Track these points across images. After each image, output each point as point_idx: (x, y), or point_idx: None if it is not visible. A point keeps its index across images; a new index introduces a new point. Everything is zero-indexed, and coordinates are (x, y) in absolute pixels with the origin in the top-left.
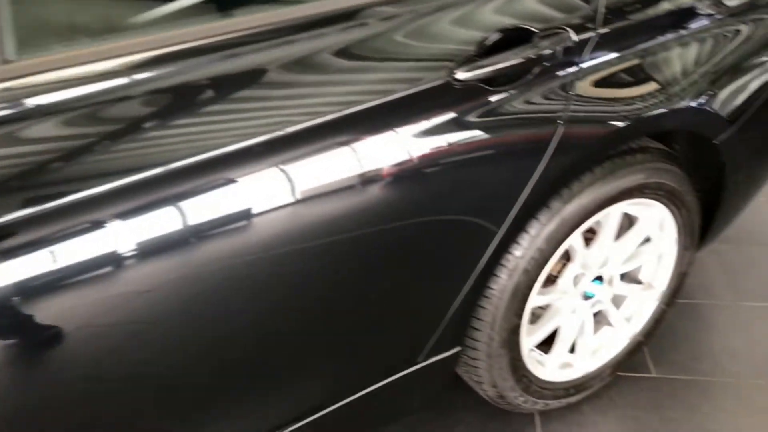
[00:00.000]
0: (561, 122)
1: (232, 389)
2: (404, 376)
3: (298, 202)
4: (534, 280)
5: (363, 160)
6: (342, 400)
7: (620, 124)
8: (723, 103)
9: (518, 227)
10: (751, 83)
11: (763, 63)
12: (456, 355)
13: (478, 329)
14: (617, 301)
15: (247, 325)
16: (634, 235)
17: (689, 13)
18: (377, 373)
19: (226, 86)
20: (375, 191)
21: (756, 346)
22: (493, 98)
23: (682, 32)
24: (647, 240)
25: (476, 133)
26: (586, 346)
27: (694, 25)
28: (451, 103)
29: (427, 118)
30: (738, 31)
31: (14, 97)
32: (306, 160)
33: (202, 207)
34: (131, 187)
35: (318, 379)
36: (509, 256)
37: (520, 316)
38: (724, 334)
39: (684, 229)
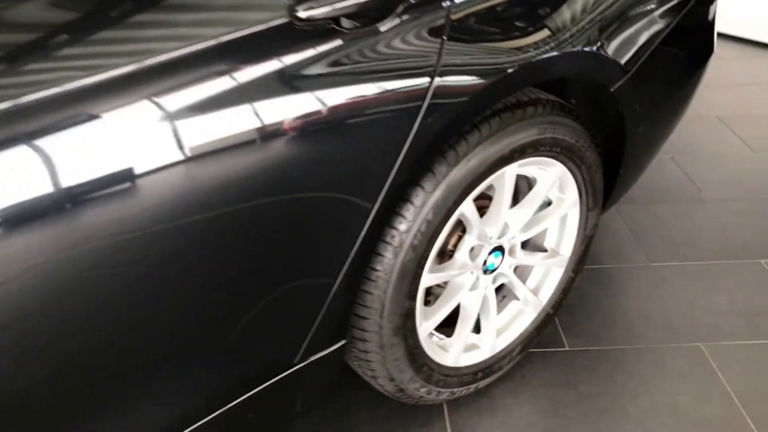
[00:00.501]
0: (434, 72)
1: (76, 410)
2: (279, 381)
3: (104, 183)
4: (425, 257)
5: (185, 126)
6: (209, 414)
7: (504, 71)
8: (617, 50)
9: (398, 198)
10: (643, 31)
11: (652, 11)
12: (340, 351)
13: (365, 317)
14: (522, 272)
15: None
16: (533, 198)
17: None
18: (246, 381)
19: None
20: (200, 168)
21: (669, 308)
22: (348, 42)
23: None
24: (548, 203)
25: (330, 87)
26: (492, 324)
27: None
28: (295, 48)
29: (264, 68)
30: None
31: None
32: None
33: None
34: None
35: (173, 395)
36: (393, 232)
37: (413, 298)
38: (636, 298)
39: (586, 189)
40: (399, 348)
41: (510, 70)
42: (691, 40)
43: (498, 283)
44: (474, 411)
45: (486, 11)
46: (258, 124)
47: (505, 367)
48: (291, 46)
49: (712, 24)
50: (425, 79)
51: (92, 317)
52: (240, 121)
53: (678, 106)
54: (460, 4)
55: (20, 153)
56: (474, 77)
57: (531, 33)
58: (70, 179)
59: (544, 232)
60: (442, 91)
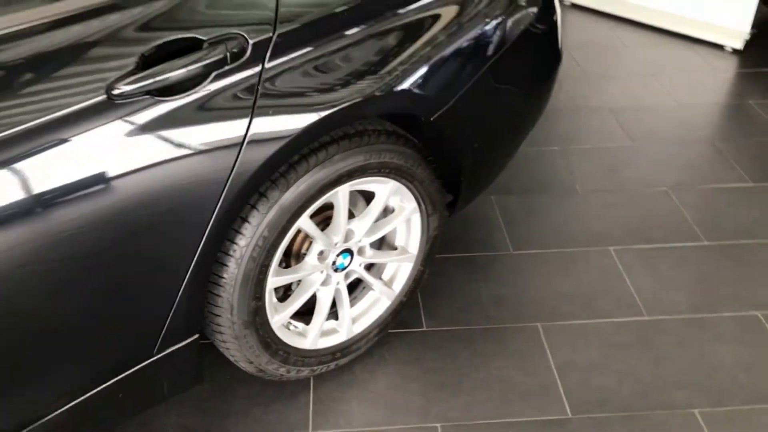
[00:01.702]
0: (249, 119)
1: None
2: (144, 368)
3: None
4: (266, 265)
5: (39, 179)
6: (88, 392)
7: (314, 115)
8: (428, 87)
9: (230, 219)
10: (458, 67)
11: (466, 49)
12: (195, 342)
13: (218, 315)
14: (378, 266)
15: None
16: (371, 209)
17: (368, 11)
18: (112, 369)
19: None
20: (61, 208)
21: (520, 292)
22: (167, 106)
23: (365, 28)
24: (392, 210)
25: (157, 141)
26: (347, 313)
27: (375, 21)
28: (117, 116)
29: (94, 133)
30: (422, 23)
31: None
32: None
33: None
34: None
35: (50, 378)
36: (234, 246)
37: (259, 299)
38: (495, 283)
39: (423, 199)
40: (252, 338)
41: (322, 115)
42: (527, 59)
43: (351, 279)
44: (335, 384)
45: (295, 70)
46: (106, 172)
47: (363, 347)
48: (114, 115)
49: (551, 36)
50: (242, 125)
51: None
52: (90, 173)
53: (523, 117)
54: (271, 67)
55: None
56: (288, 121)
57: (338, 84)
58: None
59: (394, 232)
60: (258, 137)
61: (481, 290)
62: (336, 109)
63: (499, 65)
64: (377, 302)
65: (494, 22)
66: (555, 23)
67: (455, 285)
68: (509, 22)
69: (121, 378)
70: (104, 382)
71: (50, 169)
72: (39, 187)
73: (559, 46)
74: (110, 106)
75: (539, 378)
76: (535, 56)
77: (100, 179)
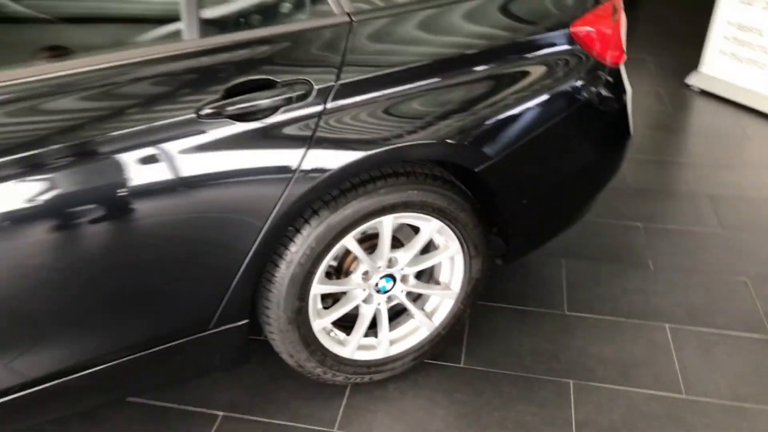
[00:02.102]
0: (306, 149)
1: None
2: (200, 337)
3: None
4: (312, 272)
5: (142, 173)
6: (152, 348)
7: (362, 153)
8: (476, 141)
9: (283, 228)
10: (509, 127)
11: (523, 111)
12: (244, 326)
13: (268, 308)
14: (422, 298)
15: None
16: (415, 242)
17: (422, 71)
18: (179, 331)
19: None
20: (151, 202)
21: (562, 349)
22: (241, 129)
23: (419, 85)
24: (437, 247)
25: (229, 154)
26: (385, 333)
27: (430, 79)
28: (200, 131)
29: (183, 141)
30: (477, 84)
31: None
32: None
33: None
34: None
35: (136, 330)
36: (286, 251)
37: (302, 300)
38: (539, 337)
39: (466, 241)
40: (293, 334)
41: (369, 154)
42: (586, 132)
43: (393, 302)
44: (368, 396)
45: (350, 113)
46: (192, 177)
47: (398, 369)
48: (200, 131)
49: (617, 114)
50: (301, 153)
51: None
52: (182, 174)
53: (580, 186)
54: (331, 108)
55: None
56: (338, 157)
57: (388, 129)
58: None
59: (440, 268)
60: (311, 164)
61: (524, 341)
62: (382, 150)
63: (553, 133)
64: (416, 331)
65: (554, 94)
66: (624, 103)
67: (500, 331)
68: (569, 95)
69: (184, 341)
70: (172, 341)
71: (147, 165)
72: (139, 178)
73: (629, 125)
74: (196, 123)
75: (556, 429)
76: (595, 131)
77: (181, 178)
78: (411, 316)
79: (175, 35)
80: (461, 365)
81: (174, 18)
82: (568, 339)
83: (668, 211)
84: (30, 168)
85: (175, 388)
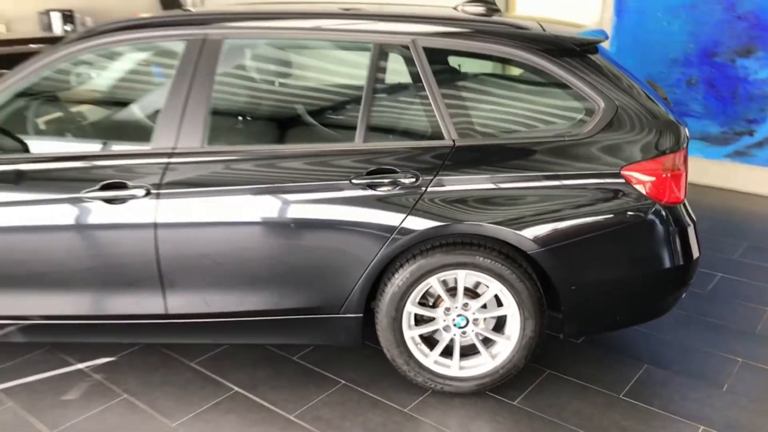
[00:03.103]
0: (407, 215)
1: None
2: (333, 317)
3: (283, 222)
4: (406, 294)
5: (315, 209)
6: (305, 315)
7: (443, 224)
8: (528, 231)
9: (388, 262)
10: (557, 227)
11: (562, 216)
12: (360, 318)
13: (378, 312)
14: (492, 341)
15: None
16: (484, 296)
17: (498, 180)
18: (320, 308)
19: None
20: (313, 227)
21: (598, 415)
22: (372, 194)
23: (494, 188)
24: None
25: (359, 209)
26: (456, 358)
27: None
28: (353, 192)
29: (341, 198)
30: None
31: None
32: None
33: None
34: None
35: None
36: (393, 277)
37: (398, 312)
38: (586, 403)
39: (520, 305)
40: (390, 335)
41: (449, 224)
42: (631, 246)
43: (466, 337)
44: (439, 399)
45: (441, 196)
46: (327, 220)
47: (463, 388)
48: (352, 192)
49: (675, 236)
50: (402, 216)
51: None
52: (329, 216)
53: (633, 290)
54: (430, 191)
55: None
56: (426, 223)
57: (466, 210)
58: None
59: (505, 320)
60: (408, 224)
61: (573, 402)
62: (457, 224)
63: (593, 242)
64: (482, 365)
65: (598, 214)
66: (676, 233)
67: (556, 391)
68: (611, 217)
69: (324, 317)
70: (316, 314)
71: (319, 205)
72: (312, 212)
73: (687, 251)
74: (349, 186)
75: None
76: (639, 250)
77: (334, 216)
78: (479, 352)
79: (351, 138)
80: (514, 403)
81: (352, 126)
82: (610, 412)
83: None
84: (268, 195)
85: (320, 356)
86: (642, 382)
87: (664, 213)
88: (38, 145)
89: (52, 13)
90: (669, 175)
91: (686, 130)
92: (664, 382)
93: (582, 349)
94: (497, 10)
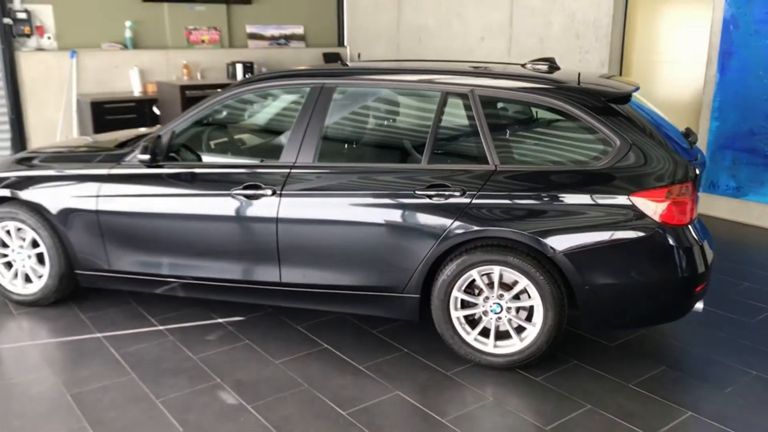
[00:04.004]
0: (454, 219)
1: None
2: (396, 296)
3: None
4: (453, 282)
5: (391, 214)
6: (375, 292)
7: (483, 229)
8: (551, 240)
9: (440, 255)
10: (570, 234)
11: (575, 226)
12: (418, 299)
13: (433, 294)
14: (523, 328)
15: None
16: (515, 289)
17: (525, 197)
18: (388, 287)
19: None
20: (389, 222)
21: (606, 393)
22: (429, 202)
23: (528, 203)
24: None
25: (420, 213)
26: (492, 338)
27: (538, 204)
28: (416, 200)
29: (407, 204)
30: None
31: None
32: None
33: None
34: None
35: (365, 276)
36: (445, 269)
37: (447, 296)
38: (594, 381)
39: (543, 298)
40: (440, 313)
41: (488, 229)
42: (636, 260)
43: (501, 322)
44: (473, 371)
45: (482, 208)
46: (394, 220)
47: (495, 363)
48: (417, 199)
49: (672, 258)
50: (449, 221)
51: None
52: (401, 214)
53: (641, 298)
54: (473, 203)
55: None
56: (468, 227)
57: (500, 220)
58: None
59: (533, 310)
60: (455, 227)
61: (584, 385)
62: (493, 228)
63: (603, 252)
64: (512, 345)
65: (607, 229)
66: (680, 251)
67: (578, 375)
68: (619, 233)
69: (389, 294)
70: (383, 292)
71: (392, 210)
72: (387, 215)
73: (690, 267)
74: (412, 196)
75: None
76: (644, 262)
77: (401, 218)
78: (510, 335)
79: (419, 160)
80: (536, 379)
81: (421, 152)
82: (615, 395)
83: None
84: (358, 199)
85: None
86: (655, 379)
87: (666, 232)
88: (207, 157)
89: (237, 65)
90: (672, 201)
91: (694, 167)
92: (675, 380)
93: (611, 350)
94: (557, 68)
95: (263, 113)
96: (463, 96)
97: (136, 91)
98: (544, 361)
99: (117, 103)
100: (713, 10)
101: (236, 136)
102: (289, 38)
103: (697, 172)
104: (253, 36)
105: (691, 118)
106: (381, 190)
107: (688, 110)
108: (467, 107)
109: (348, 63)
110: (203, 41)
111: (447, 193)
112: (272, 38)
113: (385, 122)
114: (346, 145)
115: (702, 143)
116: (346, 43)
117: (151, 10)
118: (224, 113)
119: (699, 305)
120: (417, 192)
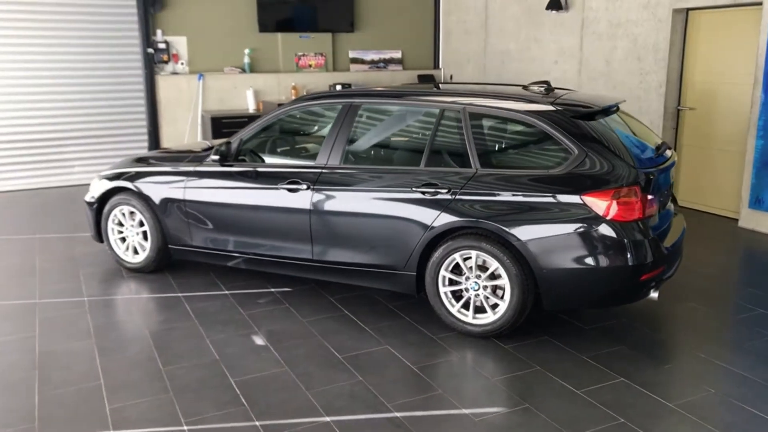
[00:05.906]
0: (440, 211)
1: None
2: (396, 273)
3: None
4: (441, 263)
5: (391, 205)
6: (368, 268)
7: (464, 219)
8: (514, 229)
9: (433, 241)
10: (528, 227)
11: (533, 220)
12: (414, 276)
13: (425, 272)
14: (497, 304)
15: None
16: (489, 271)
17: (496, 194)
18: (388, 265)
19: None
20: (396, 212)
21: (550, 360)
22: (422, 197)
23: (492, 199)
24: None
25: (415, 206)
26: (471, 310)
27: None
28: (413, 193)
29: (407, 198)
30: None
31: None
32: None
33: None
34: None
35: (367, 255)
36: (435, 250)
37: (437, 274)
38: (553, 352)
39: (510, 278)
40: (432, 288)
41: (466, 221)
42: (583, 248)
43: (479, 297)
44: (456, 337)
45: (464, 203)
46: (391, 212)
47: (474, 331)
48: (417, 196)
49: (612, 248)
50: (437, 212)
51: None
52: (400, 206)
53: (586, 283)
54: (457, 198)
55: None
56: (450, 218)
57: (476, 214)
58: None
59: (504, 288)
60: (442, 218)
61: (545, 353)
62: (471, 220)
63: (553, 240)
64: (487, 317)
65: (559, 222)
66: (616, 243)
67: (544, 347)
68: (569, 225)
69: (390, 271)
70: (385, 269)
71: (388, 202)
72: (387, 208)
73: (638, 255)
74: (412, 192)
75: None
76: (587, 251)
77: (399, 207)
78: (485, 309)
79: (418, 164)
80: (506, 347)
81: (420, 157)
82: (565, 363)
83: None
84: (371, 193)
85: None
86: (609, 354)
87: (612, 227)
88: (265, 158)
89: (337, 86)
90: (618, 201)
91: (643, 174)
92: (625, 356)
93: (585, 331)
94: (552, 89)
95: (306, 125)
96: (456, 112)
97: (251, 108)
98: (519, 334)
99: (232, 119)
100: (760, 33)
101: (286, 143)
102: (387, 62)
103: (651, 177)
104: (355, 60)
105: (739, 137)
106: (389, 187)
107: (737, 129)
108: (458, 121)
109: (441, 83)
110: (310, 66)
111: (436, 190)
112: (372, 62)
113: (397, 132)
114: (365, 151)
115: (748, 161)
116: (440, 66)
117: (266, 39)
118: (279, 125)
119: (654, 294)
120: (413, 188)
